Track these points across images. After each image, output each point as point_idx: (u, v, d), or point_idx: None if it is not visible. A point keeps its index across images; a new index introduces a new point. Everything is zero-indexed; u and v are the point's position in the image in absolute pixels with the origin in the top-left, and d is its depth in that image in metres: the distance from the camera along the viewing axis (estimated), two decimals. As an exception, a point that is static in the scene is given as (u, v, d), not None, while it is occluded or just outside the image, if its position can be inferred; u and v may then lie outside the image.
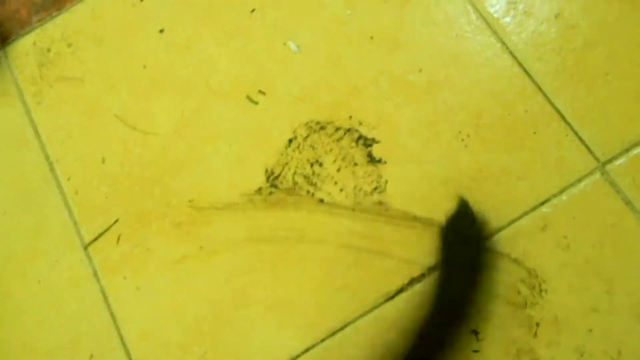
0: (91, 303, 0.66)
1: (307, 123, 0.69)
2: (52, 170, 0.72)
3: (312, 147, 0.68)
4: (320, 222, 0.65)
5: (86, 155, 0.71)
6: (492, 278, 0.61)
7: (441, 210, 0.64)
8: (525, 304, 0.60)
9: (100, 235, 0.68)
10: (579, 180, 0.62)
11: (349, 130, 0.68)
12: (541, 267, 0.61)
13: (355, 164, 0.66)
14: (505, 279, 0.61)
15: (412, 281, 0.62)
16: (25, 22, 0.79)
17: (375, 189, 0.65)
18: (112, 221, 0.68)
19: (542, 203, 0.62)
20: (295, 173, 0.67)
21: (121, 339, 0.65)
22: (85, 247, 0.68)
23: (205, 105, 0.71)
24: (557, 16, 0.67)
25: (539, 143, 0.64)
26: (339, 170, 0.67)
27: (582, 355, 0.58)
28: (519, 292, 0.61)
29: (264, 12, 0.73)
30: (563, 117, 0.64)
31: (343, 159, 0.67)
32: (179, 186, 0.69)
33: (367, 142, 0.67)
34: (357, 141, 0.67)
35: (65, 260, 0.68)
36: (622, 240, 0.60)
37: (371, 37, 0.70)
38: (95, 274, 0.67)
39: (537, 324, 0.60)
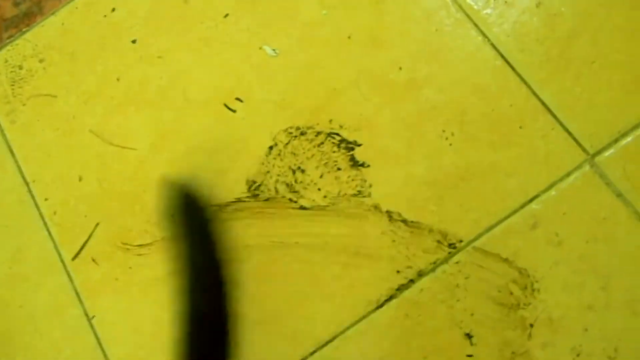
0: (75, 326, 0.65)
1: (286, 129, 0.67)
2: (29, 191, 0.70)
3: (293, 153, 0.66)
4: (304, 231, 0.64)
5: (63, 174, 0.70)
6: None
7: (428, 212, 0.62)
8: (518, 304, 0.59)
9: (79, 253, 0.66)
10: (568, 174, 0.61)
11: (330, 134, 0.66)
12: (533, 266, 0.59)
13: (338, 169, 0.65)
14: (496, 280, 0.59)
15: (401, 287, 0.61)
16: (-5, 39, 0.77)
17: (360, 193, 0.64)
18: (92, 240, 0.67)
19: (531, 200, 0.61)
20: (277, 181, 0.66)
21: (107, 361, 0.64)
22: (66, 269, 0.67)
23: (182, 116, 0.69)
24: (538, 5, 0.65)
25: (525, 138, 0.62)
26: (321, 176, 0.65)
27: (578, 355, 0.57)
28: (511, 293, 0.59)
29: (238, 17, 0.71)
30: (549, 110, 0.62)
31: (325, 165, 0.65)
32: (159, 201, 0.67)
33: (349, 146, 0.65)
34: (338, 145, 0.65)
35: (47, 284, 0.67)
36: (616, 234, 0.59)
37: (349, 37, 0.68)
38: (77, 296, 0.66)
39: (531, 325, 0.58)
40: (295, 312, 0.62)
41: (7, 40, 0.77)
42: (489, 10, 0.66)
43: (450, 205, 0.62)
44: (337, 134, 0.65)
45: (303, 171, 0.65)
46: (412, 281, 0.60)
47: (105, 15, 0.75)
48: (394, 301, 0.60)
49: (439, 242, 0.61)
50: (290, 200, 0.64)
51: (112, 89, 0.72)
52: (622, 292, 0.58)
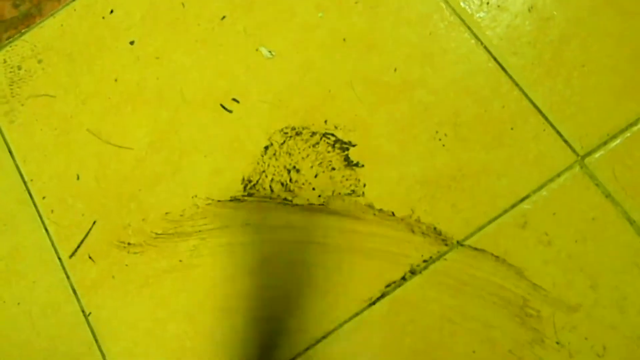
0: (72, 323, 0.66)
1: (282, 129, 0.68)
2: (27, 190, 0.71)
3: (289, 153, 0.67)
4: (299, 229, 0.64)
5: (61, 173, 0.70)
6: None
7: (421, 211, 0.63)
8: (509, 302, 0.59)
9: (76, 251, 0.67)
10: (559, 175, 0.62)
11: (324, 134, 0.67)
12: (523, 264, 0.60)
13: (333, 169, 0.66)
14: (487, 279, 0.60)
15: (393, 285, 0.61)
16: (-5, 40, 0.78)
17: (354, 192, 0.65)
18: (89, 238, 0.67)
19: (522, 200, 0.62)
20: (272, 181, 0.66)
21: (103, 358, 0.64)
22: (63, 267, 0.67)
23: (178, 116, 0.70)
24: (531, 9, 0.66)
25: (517, 139, 0.63)
26: (316, 175, 0.66)
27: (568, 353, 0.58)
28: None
29: (235, 19, 0.72)
30: (540, 112, 0.63)
31: (320, 164, 0.66)
32: (155, 200, 0.68)
33: (343, 146, 0.66)
34: (333, 145, 0.66)
35: (44, 281, 0.67)
36: (604, 234, 0.60)
37: (344, 39, 0.69)
38: (74, 293, 0.66)
39: (521, 323, 0.59)
40: (288, 310, 0.62)
41: (6, 41, 0.77)
42: (482, 14, 0.67)
43: (443, 204, 0.63)
44: (332, 135, 0.66)
45: (298, 171, 0.66)
46: (404, 279, 0.61)
47: (103, 17, 0.75)
48: (386, 299, 0.61)
49: (431, 241, 0.62)
50: (285, 199, 0.65)
51: (110, 89, 0.72)
52: (610, 290, 0.59)
